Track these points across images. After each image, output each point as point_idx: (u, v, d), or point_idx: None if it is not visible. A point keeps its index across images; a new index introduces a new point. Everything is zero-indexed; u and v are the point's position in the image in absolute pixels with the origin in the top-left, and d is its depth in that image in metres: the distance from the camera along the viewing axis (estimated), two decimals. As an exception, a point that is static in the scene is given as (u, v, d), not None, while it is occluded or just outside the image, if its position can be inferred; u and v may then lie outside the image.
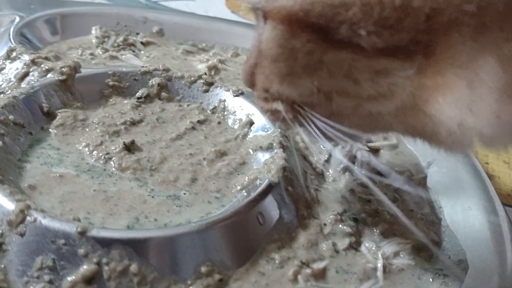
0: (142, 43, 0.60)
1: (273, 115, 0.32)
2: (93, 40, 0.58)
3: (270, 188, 0.36)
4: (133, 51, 0.58)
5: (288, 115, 0.30)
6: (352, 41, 0.25)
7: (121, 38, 0.59)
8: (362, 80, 0.26)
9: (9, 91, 0.45)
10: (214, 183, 0.39)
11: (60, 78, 0.44)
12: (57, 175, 0.37)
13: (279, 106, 0.30)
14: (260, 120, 0.45)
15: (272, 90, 0.30)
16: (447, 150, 0.29)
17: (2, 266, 0.30)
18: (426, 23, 0.23)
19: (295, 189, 0.38)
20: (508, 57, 0.23)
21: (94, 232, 0.30)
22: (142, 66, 0.52)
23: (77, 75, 0.46)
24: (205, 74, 0.50)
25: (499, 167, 0.52)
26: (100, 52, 0.55)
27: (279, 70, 0.28)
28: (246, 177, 0.39)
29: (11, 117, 0.40)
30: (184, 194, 0.38)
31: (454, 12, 0.23)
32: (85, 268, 0.29)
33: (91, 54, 0.54)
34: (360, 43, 0.25)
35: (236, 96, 0.48)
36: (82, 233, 0.29)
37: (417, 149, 0.47)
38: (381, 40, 0.24)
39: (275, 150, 0.40)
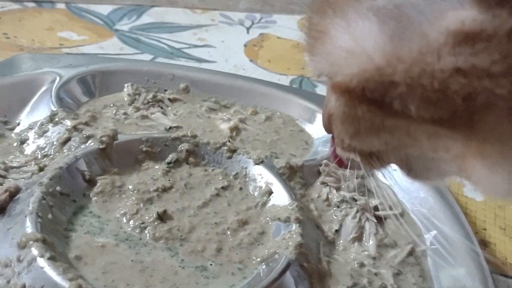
0: (169, 99, 0.65)
1: (351, 163, 0.34)
2: (126, 98, 0.62)
3: (288, 266, 0.41)
4: (161, 108, 0.63)
5: (363, 165, 0.33)
6: (405, 112, 0.27)
7: (150, 95, 0.63)
8: (420, 139, 0.29)
9: (52, 155, 0.50)
10: (237, 254, 0.44)
11: (100, 146, 0.49)
12: (99, 245, 0.42)
13: (355, 157, 0.33)
14: (279, 189, 0.50)
15: (345, 144, 0.32)
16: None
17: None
18: (464, 103, 0.26)
19: (310, 263, 0.43)
20: None
21: (137, 312, 0.35)
22: (170, 127, 0.57)
23: (115, 142, 0.51)
24: (229, 141, 0.55)
25: (495, 233, 0.56)
26: (132, 111, 0.60)
27: (347, 130, 0.31)
28: (266, 250, 0.44)
29: (58, 188, 0.45)
30: (211, 265, 0.42)
31: (488, 96, 0.25)
32: None
33: (124, 113, 0.59)
34: (411, 115, 0.27)
35: (257, 164, 0.52)
36: (128, 313, 0.34)
37: (421, 220, 0.52)
38: (428, 113, 0.27)
39: (292, 225, 0.45)
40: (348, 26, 0.27)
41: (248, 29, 0.95)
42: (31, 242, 0.38)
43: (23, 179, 0.47)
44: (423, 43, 0.26)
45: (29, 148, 0.52)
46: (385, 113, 0.28)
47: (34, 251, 0.37)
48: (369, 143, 0.31)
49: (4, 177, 0.48)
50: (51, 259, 0.37)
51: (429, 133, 0.28)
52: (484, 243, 0.54)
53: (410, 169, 0.33)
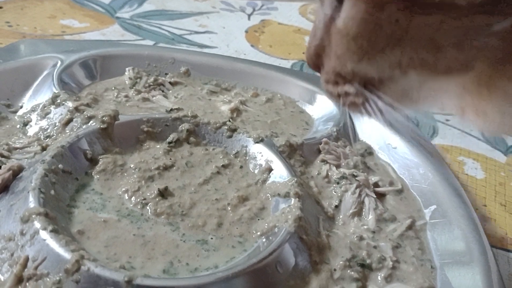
0: (170, 83, 0.65)
1: (343, 98, 0.32)
2: (127, 81, 0.63)
3: (287, 238, 0.41)
4: (162, 91, 0.64)
5: (357, 99, 0.31)
6: (445, 1, 0.25)
7: (151, 79, 0.64)
8: (446, 47, 0.26)
9: (54, 135, 0.51)
10: (237, 228, 0.44)
11: (101, 126, 0.50)
12: (102, 220, 0.43)
13: (350, 88, 0.31)
14: (279, 166, 0.50)
15: (346, 70, 0.30)
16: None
17: (61, 307, 0.35)
18: None
19: (309, 236, 0.43)
20: None
21: (138, 281, 0.35)
22: (171, 109, 0.58)
23: (116, 122, 0.51)
24: (229, 121, 0.55)
25: (496, 209, 0.56)
26: (134, 94, 0.61)
27: (359, 47, 0.28)
28: (266, 224, 0.44)
29: (60, 165, 0.45)
30: (211, 238, 0.43)
31: None
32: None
33: (126, 96, 0.60)
34: (455, 2, 0.25)
35: (257, 142, 0.53)
36: (129, 282, 0.35)
37: (420, 195, 0.52)
38: None
39: (292, 199, 0.45)
40: None
41: (249, 15, 0.95)
42: (33, 216, 0.39)
43: (26, 159, 0.48)
44: None
45: (31, 130, 0.53)
46: (415, 10, 0.25)
47: (37, 224, 0.38)
48: (379, 61, 0.28)
49: (8, 157, 0.48)
50: (54, 231, 0.38)
51: (464, 32, 0.25)
52: (484, 219, 0.55)
53: (404, 96, 0.30)
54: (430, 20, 0.25)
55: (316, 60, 0.32)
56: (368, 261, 0.43)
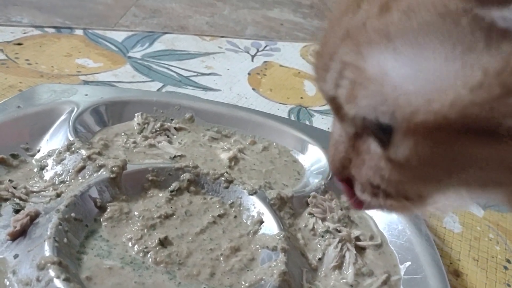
0: (175, 128, 0.71)
1: (388, 209, 0.31)
2: (135, 127, 0.69)
3: (272, 292, 0.46)
4: (168, 136, 0.69)
5: (395, 208, 0.30)
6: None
7: (158, 124, 0.70)
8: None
9: (68, 181, 0.56)
10: (228, 278, 0.50)
11: (111, 176, 0.55)
12: (107, 267, 0.48)
13: (384, 201, 0.30)
14: (269, 219, 0.55)
15: (378, 189, 0.29)
16: None
17: None
18: None
19: (292, 290, 0.48)
20: None
21: (138, 330, 0.40)
22: (175, 156, 0.63)
23: (124, 172, 0.57)
24: (227, 172, 0.60)
25: (469, 264, 0.61)
26: (141, 140, 0.66)
27: (402, 175, 0.27)
28: (254, 276, 0.49)
29: (72, 214, 0.51)
30: (204, 288, 0.48)
31: None
32: None
33: (134, 142, 0.65)
34: None
35: (251, 194, 0.58)
36: (129, 331, 0.40)
37: (397, 251, 0.57)
38: None
39: (279, 253, 0.51)
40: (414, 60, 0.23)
41: (253, 56, 1.01)
42: (49, 265, 0.44)
43: (42, 203, 0.53)
44: None
45: (47, 174, 0.58)
46: (483, 139, 0.23)
47: (51, 273, 0.43)
48: (433, 185, 0.27)
49: (26, 200, 0.54)
50: (66, 280, 0.43)
51: None
52: (457, 274, 0.60)
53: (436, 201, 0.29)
54: (501, 146, 0.23)
55: (343, 171, 0.31)
56: (344, 315, 0.48)
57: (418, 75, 0.23)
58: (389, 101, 0.24)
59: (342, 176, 0.32)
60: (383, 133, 0.26)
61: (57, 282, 0.43)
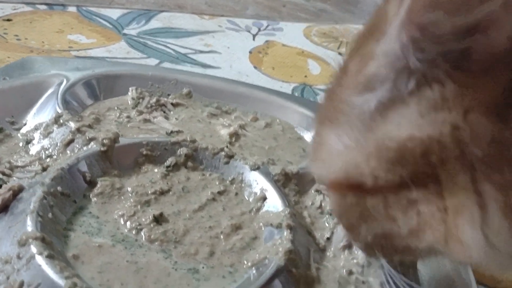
0: (172, 104, 0.66)
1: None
2: (129, 101, 0.64)
3: (277, 272, 0.42)
4: (164, 112, 0.65)
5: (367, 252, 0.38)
6: (379, 185, 0.30)
7: (154, 99, 0.65)
8: (397, 217, 0.31)
9: (55, 155, 0.52)
10: (228, 258, 0.45)
11: (102, 149, 0.51)
12: (96, 245, 0.44)
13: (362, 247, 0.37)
14: (273, 196, 0.51)
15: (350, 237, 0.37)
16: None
17: (52, 332, 0.36)
18: (422, 159, 0.28)
19: (298, 269, 0.44)
20: (500, 183, 0.26)
21: (128, 311, 0.36)
22: (172, 132, 0.59)
23: (116, 145, 0.53)
24: (227, 147, 0.56)
25: None
26: (135, 115, 0.62)
27: (344, 224, 0.36)
28: (257, 255, 0.45)
29: (59, 188, 0.46)
30: (203, 268, 0.44)
31: (440, 155, 0.27)
32: None
33: (127, 116, 0.61)
34: (384, 184, 0.30)
35: (253, 170, 0.54)
36: (118, 311, 0.36)
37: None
38: (396, 176, 0.29)
39: (284, 231, 0.46)
40: (338, 132, 0.32)
41: (254, 36, 0.96)
42: (30, 240, 0.40)
43: (26, 178, 0.49)
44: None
45: (34, 148, 0.54)
46: (366, 194, 0.31)
47: (33, 249, 0.39)
48: (362, 234, 0.34)
49: (9, 176, 0.50)
50: (49, 257, 0.39)
51: (403, 204, 0.30)
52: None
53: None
54: (377, 199, 0.31)
55: None
56: (356, 297, 0.44)
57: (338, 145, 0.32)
58: (325, 161, 0.34)
59: None
60: None
61: (39, 259, 0.39)
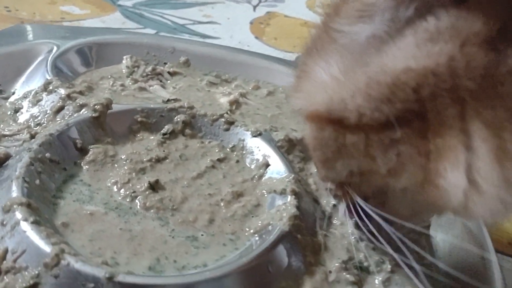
0: (169, 73, 0.63)
1: (329, 191, 0.41)
2: (124, 70, 0.61)
3: (281, 237, 0.39)
4: (161, 81, 0.62)
5: (337, 193, 0.38)
6: (362, 122, 0.29)
7: (149, 68, 0.62)
8: (377, 157, 0.30)
9: (45, 123, 0.49)
10: (229, 225, 0.42)
11: (93, 115, 0.48)
12: (88, 212, 0.41)
13: (331, 185, 0.38)
14: (276, 162, 0.48)
15: (321, 174, 0.37)
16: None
17: (38, 303, 0.33)
18: (414, 94, 0.27)
19: (304, 236, 0.41)
20: (492, 122, 0.26)
21: (120, 278, 0.33)
22: (168, 100, 0.56)
23: (109, 111, 0.49)
24: (227, 113, 0.53)
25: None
26: (130, 83, 0.59)
27: (318, 157, 0.35)
28: (260, 222, 0.42)
29: (47, 154, 0.43)
30: (202, 235, 0.41)
31: (433, 88, 0.27)
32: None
33: (122, 85, 0.58)
34: (368, 122, 0.29)
35: (255, 136, 0.51)
36: (110, 278, 0.33)
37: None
38: (382, 115, 0.28)
39: (288, 197, 0.43)
40: (325, 62, 0.31)
41: (255, 7, 0.93)
42: (15, 206, 0.37)
43: (14, 147, 0.46)
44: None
45: (22, 117, 0.51)
46: (346, 130, 0.31)
47: (18, 215, 0.36)
48: (335, 169, 0.34)
49: (-4, 144, 0.47)
50: (35, 223, 0.36)
51: (384, 144, 0.30)
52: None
53: (382, 203, 0.35)
54: (357, 137, 0.30)
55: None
56: (365, 264, 0.41)
57: (323, 75, 0.31)
58: (307, 93, 0.33)
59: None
60: None
61: (24, 225, 0.36)
